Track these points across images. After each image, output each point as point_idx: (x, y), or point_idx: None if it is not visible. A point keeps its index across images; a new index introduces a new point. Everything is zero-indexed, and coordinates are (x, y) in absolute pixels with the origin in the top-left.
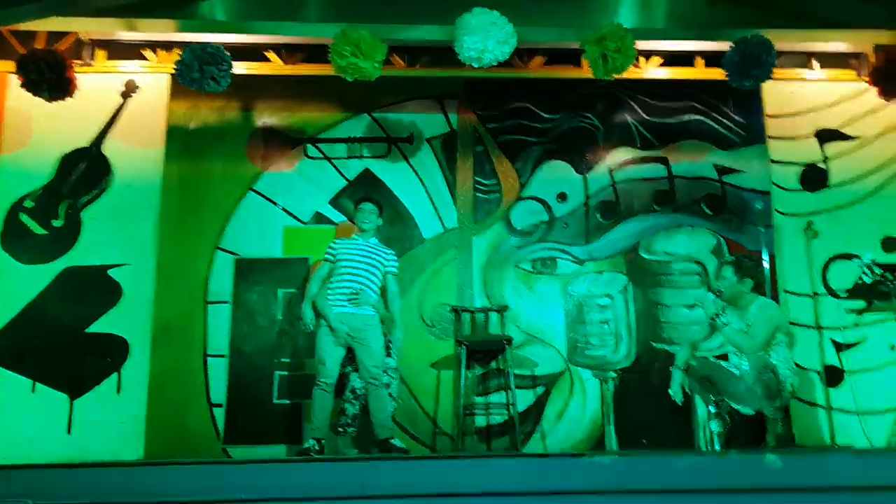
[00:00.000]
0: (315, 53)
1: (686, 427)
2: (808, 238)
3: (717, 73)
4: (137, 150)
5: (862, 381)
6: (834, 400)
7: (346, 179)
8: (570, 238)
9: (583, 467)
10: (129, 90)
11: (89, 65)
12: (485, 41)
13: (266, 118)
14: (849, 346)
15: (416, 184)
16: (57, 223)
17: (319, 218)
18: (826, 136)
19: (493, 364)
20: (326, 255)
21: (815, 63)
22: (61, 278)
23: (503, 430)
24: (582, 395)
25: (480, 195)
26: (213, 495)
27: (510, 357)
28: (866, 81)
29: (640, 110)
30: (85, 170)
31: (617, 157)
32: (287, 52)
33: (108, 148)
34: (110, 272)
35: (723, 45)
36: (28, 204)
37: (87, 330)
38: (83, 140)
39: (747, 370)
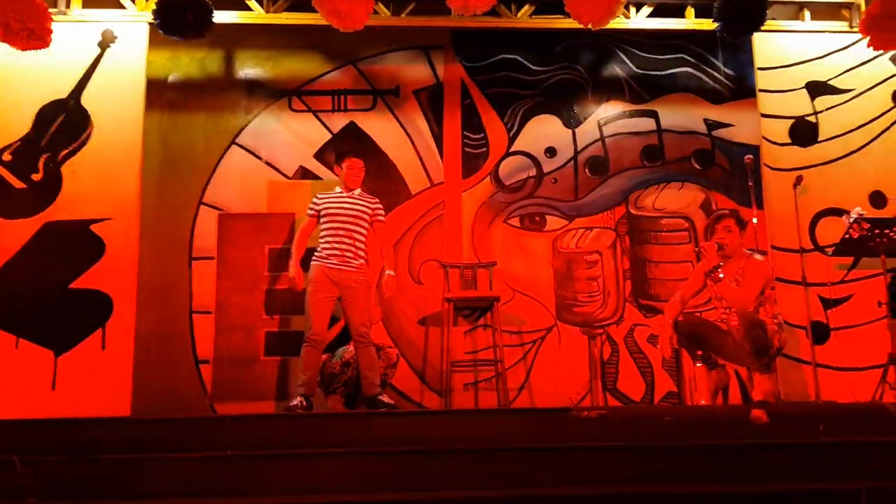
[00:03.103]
0: (298, 2)
1: (673, 382)
2: (797, 193)
3: (708, 24)
4: (117, 103)
5: (848, 337)
6: (820, 356)
7: (331, 132)
8: (559, 193)
9: (570, 422)
10: (107, 40)
11: (64, 13)
12: None
13: (248, 69)
14: (836, 302)
15: (402, 137)
16: (36, 177)
17: (304, 172)
18: (816, 89)
19: (482, 321)
20: (309, 210)
21: (806, 13)
22: (43, 233)
23: (491, 387)
24: (570, 352)
25: (468, 149)
26: (200, 449)
27: (498, 314)
28: (858, 32)
29: (629, 62)
30: (63, 122)
31: (606, 111)
32: (269, 1)
33: (87, 100)
34: (92, 227)
35: None
36: (6, 157)
37: (70, 286)
38: (61, 92)
39: (735, 326)
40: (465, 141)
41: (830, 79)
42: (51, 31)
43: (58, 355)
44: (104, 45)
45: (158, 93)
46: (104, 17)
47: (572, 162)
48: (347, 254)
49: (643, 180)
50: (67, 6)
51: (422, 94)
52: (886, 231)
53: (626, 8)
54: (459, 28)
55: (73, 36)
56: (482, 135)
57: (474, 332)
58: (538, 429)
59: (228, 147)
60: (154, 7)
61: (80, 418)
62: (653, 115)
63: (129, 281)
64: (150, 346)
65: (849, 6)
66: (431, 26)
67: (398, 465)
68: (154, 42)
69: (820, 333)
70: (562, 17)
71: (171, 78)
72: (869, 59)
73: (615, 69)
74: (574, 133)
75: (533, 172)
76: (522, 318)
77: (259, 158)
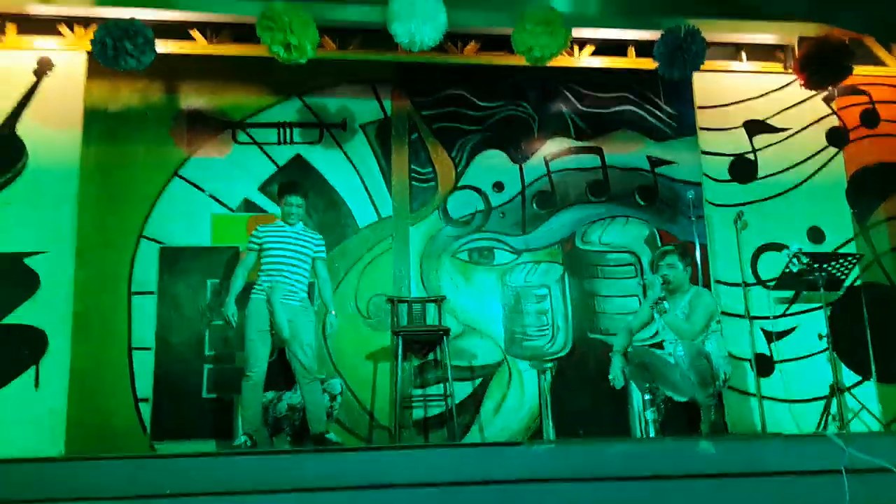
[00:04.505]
0: (242, 33)
1: (622, 415)
2: (738, 229)
3: (649, 64)
4: (54, 132)
5: (791, 369)
6: (764, 388)
7: (277, 165)
8: (507, 228)
9: (519, 456)
10: (43, 68)
11: None
12: (410, 21)
13: (191, 101)
14: (779, 335)
15: (349, 171)
16: None
17: (248, 205)
18: (754, 127)
19: (431, 355)
20: (251, 244)
21: (743, 55)
22: None
23: (441, 423)
24: (520, 386)
25: (416, 184)
26: (138, 490)
27: (448, 348)
28: (791, 73)
29: (574, 100)
30: None
31: (552, 147)
32: (212, 31)
33: (22, 129)
34: (26, 260)
35: (656, 35)
36: None
37: (1, 321)
38: None
39: (682, 356)
40: (413, 175)
41: (767, 118)
42: None
43: None
44: (40, 73)
45: (97, 123)
46: (41, 45)
47: (520, 196)
48: (290, 288)
49: (589, 215)
50: (2, 32)
51: (369, 128)
52: (824, 265)
53: (570, 47)
54: (406, 63)
55: (7, 63)
56: (430, 169)
57: (424, 366)
58: (486, 463)
59: (170, 179)
60: (93, 36)
61: (10, 460)
62: (597, 151)
63: (65, 316)
64: (85, 384)
65: (783, 48)
66: (378, 60)
67: (347, 503)
68: (93, 71)
69: (764, 366)
70: (507, 53)
71: (110, 108)
72: (803, 99)
73: (560, 106)
74: (521, 168)
75: (481, 207)
76: (472, 352)
77: (202, 191)
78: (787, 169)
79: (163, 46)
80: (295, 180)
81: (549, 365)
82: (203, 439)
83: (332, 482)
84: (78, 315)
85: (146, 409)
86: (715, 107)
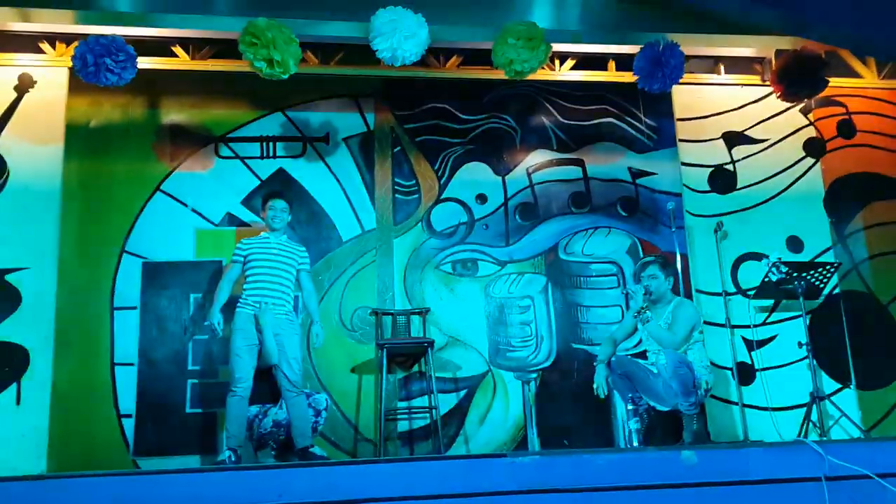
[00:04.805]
0: (224, 48)
1: (605, 425)
2: (718, 238)
3: (629, 77)
4: (35, 148)
5: (772, 377)
6: (746, 397)
7: (259, 179)
8: (490, 239)
9: (504, 468)
10: (24, 85)
11: None
12: (391, 38)
13: (174, 116)
14: (759, 343)
15: (332, 184)
16: None
17: (231, 219)
18: (733, 139)
19: (416, 367)
20: (235, 256)
21: (721, 68)
22: None
23: (426, 435)
24: (504, 397)
25: (399, 196)
26: None
27: (432, 360)
28: (769, 85)
29: (555, 112)
30: None
31: (534, 159)
32: (195, 47)
33: (3, 146)
34: (7, 277)
35: (636, 48)
36: None
37: None
38: None
39: (664, 365)
40: (397, 187)
41: (746, 129)
42: None
43: None
44: (22, 89)
45: (79, 138)
46: (22, 62)
47: (503, 208)
48: (275, 300)
49: (572, 226)
50: None
51: (352, 142)
52: (803, 274)
53: (551, 60)
54: (389, 77)
55: None
56: (414, 181)
57: (409, 379)
58: (471, 475)
59: (153, 194)
60: (74, 52)
61: None
62: (579, 163)
63: (47, 333)
64: (67, 401)
65: (760, 61)
66: (361, 75)
67: None
68: (75, 87)
69: (745, 374)
70: (488, 68)
71: (92, 123)
72: (781, 110)
73: (542, 119)
74: (504, 180)
75: (464, 219)
76: (456, 364)
77: (185, 205)
78: (766, 179)
79: (145, 62)
80: (278, 189)
81: (534, 376)
82: (187, 455)
83: (318, 497)
84: (60, 331)
85: (129, 425)
86: (694, 119)
